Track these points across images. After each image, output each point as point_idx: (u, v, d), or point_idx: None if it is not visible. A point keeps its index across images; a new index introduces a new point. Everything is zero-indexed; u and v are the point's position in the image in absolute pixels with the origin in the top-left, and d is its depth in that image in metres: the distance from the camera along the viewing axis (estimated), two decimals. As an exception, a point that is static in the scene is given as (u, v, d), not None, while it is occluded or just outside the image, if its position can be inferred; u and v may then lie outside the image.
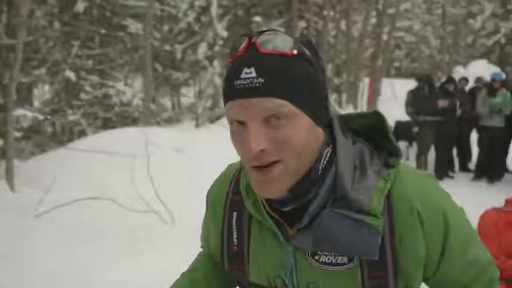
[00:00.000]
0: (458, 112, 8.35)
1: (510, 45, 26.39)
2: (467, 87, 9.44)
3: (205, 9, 13.27)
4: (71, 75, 10.15)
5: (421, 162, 8.36)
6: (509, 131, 7.88)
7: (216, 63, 12.81)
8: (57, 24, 11.09)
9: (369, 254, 0.95)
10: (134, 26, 12.33)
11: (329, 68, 15.94)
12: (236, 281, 1.23)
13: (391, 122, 5.50)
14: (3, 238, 4.24)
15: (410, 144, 9.93)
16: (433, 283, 1.08)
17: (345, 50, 17.10)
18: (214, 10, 12.74)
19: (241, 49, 0.93)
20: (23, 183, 5.60)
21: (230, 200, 1.15)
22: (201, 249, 1.38)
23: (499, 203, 3.04)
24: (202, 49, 12.91)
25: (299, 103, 0.91)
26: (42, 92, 11.44)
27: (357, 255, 0.97)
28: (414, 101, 8.33)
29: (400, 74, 28.97)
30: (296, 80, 0.91)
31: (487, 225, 2.84)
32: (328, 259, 1.00)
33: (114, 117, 11.71)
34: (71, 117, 9.68)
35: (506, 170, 8.43)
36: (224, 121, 11.32)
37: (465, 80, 9.52)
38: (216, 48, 12.92)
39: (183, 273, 1.31)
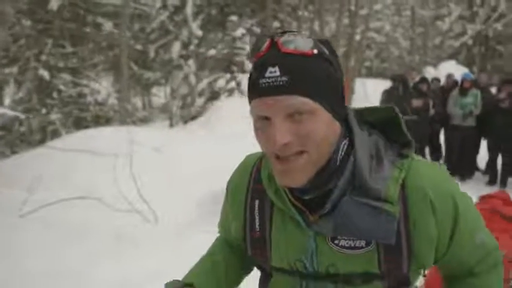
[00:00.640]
0: (432, 112, 8.51)
1: (476, 47, 27.07)
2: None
3: (178, 9, 13.21)
4: (45, 73, 9.98)
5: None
6: (479, 130, 8.09)
7: (191, 62, 12.78)
8: (28, 22, 10.88)
9: (386, 239, 1.02)
10: (108, 25, 12.20)
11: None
12: (253, 264, 1.32)
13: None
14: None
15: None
16: (443, 264, 1.16)
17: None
18: (189, 9, 12.70)
19: (264, 49, 0.99)
20: (2, 183, 5.51)
21: (252, 188, 1.21)
22: (218, 234, 1.46)
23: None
24: (176, 48, 12.86)
25: (320, 100, 0.97)
26: (14, 90, 11.22)
27: (375, 240, 1.04)
28: (389, 100, 8.46)
29: (371, 73, 29.31)
30: (317, 78, 0.97)
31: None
32: (347, 243, 1.07)
33: (89, 116, 11.56)
34: (53, 116, 9.50)
35: (477, 169, 8.64)
36: (199, 120, 11.36)
37: (437, 80, 9.73)
38: (191, 47, 12.89)
39: (203, 257, 1.38)
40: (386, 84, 9.96)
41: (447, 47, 29.26)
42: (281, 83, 0.94)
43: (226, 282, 1.33)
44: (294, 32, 1.01)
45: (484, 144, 8.28)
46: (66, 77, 11.32)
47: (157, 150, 7.17)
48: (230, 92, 13.20)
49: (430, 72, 17.30)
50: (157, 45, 13.48)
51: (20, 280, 3.77)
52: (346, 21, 19.21)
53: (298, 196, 1.08)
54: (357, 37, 18.28)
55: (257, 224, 1.18)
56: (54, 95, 11.24)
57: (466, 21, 26.91)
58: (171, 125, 12.58)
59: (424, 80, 8.89)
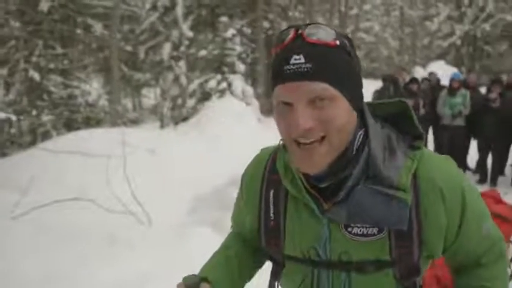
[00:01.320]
0: (422, 111, 8.57)
1: (465, 47, 27.28)
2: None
3: (168, 10, 13.18)
4: (35, 75, 9.92)
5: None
6: (469, 130, 8.16)
7: (182, 63, 12.76)
8: (17, 24, 10.82)
9: (399, 224, 1.05)
10: (98, 26, 12.15)
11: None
12: (265, 258, 1.36)
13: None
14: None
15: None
16: (451, 255, 1.20)
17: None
18: (179, 10, 12.68)
19: (289, 39, 1.04)
20: (-7, 185, 5.48)
21: (267, 179, 1.25)
22: (230, 229, 1.50)
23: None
24: (167, 49, 12.83)
25: (340, 88, 1.02)
26: (4, 92, 11.15)
27: (388, 226, 1.08)
28: (380, 100, 8.51)
29: (361, 74, 29.42)
30: (338, 67, 1.02)
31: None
32: (360, 230, 1.10)
33: (79, 118, 11.52)
34: (44, 118, 9.45)
35: (467, 168, 8.72)
36: (191, 122, 11.34)
37: (427, 80, 9.83)
38: (182, 48, 12.86)
39: (217, 251, 1.42)
40: (376, 84, 10.02)
41: (436, 47, 29.51)
42: (305, 69, 0.99)
43: (240, 276, 1.36)
44: (317, 24, 1.05)
45: (474, 144, 8.36)
46: (57, 78, 11.26)
47: (150, 152, 7.17)
48: (221, 92, 13.18)
49: (419, 72, 17.44)
50: (148, 47, 13.46)
51: (12, 283, 3.75)
52: (336, 21, 19.31)
53: (314, 184, 1.12)
54: (347, 37, 18.35)
55: (272, 212, 1.22)
56: (45, 96, 11.17)
57: (454, 22, 27.12)
58: (162, 127, 12.54)
59: (414, 80, 8.96)
